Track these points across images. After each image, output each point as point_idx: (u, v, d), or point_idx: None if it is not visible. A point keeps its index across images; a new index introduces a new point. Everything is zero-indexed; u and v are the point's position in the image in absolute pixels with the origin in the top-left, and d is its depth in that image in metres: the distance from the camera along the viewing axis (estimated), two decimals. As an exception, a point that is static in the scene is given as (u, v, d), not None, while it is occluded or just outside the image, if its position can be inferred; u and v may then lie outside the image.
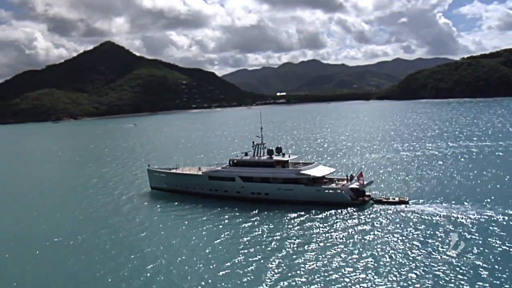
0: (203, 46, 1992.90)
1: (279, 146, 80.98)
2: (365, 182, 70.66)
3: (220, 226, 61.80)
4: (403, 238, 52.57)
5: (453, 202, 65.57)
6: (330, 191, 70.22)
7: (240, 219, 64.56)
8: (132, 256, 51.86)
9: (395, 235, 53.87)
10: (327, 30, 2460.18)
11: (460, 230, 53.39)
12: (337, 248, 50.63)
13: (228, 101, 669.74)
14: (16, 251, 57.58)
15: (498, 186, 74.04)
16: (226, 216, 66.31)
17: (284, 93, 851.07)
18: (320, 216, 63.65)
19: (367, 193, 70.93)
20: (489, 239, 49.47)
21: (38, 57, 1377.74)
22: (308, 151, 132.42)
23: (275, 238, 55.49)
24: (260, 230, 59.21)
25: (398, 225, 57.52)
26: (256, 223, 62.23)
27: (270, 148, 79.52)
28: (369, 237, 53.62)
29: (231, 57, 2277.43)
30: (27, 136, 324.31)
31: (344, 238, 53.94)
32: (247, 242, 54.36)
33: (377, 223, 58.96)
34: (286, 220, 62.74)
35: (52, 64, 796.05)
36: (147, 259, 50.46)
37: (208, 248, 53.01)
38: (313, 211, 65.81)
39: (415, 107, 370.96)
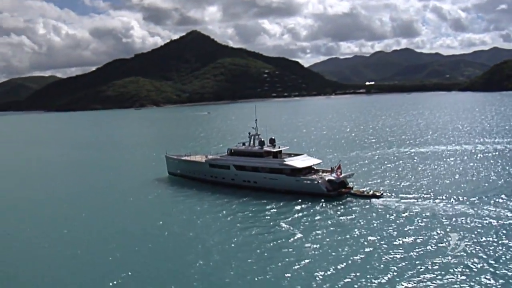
0: (295, 34, 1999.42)
1: (272, 137, 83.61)
2: (342, 175, 71.72)
3: (204, 211, 66.91)
4: (362, 230, 53.76)
5: (428, 198, 65.26)
6: (308, 181, 71.88)
7: (227, 205, 69.02)
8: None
9: (353, 227, 55.08)
10: (421, 18, 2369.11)
11: (422, 225, 53.73)
12: (289, 236, 52.96)
13: (308, 90, 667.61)
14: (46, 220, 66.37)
15: (486, 184, 72.57)
16: (217, 202, 70.87)
17: (373, 83, 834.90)
18: (291, 206, 65.96)
19: (349, 185, 72.06)
20: (454, 233, 49.56)
21: (134, 45, 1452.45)
22: (313, 143, 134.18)
23: (240, 224, 59.30)
24: (236, 215, 63.36)
25: (360, 218, 58.66)
26: (236, 209, 66.40)
27: (262, 139, 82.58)
28: (325, 228, 55.06)
29: (323, 45, 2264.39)
30: (103, 122, 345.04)
31: (299, 227, 55.96)
32: (216, 226, 58.84)
33: (337, 215, 60.64)
34: (260, 208, 66.05)
35: (141, 53, 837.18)
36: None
37: (184, 227, 59.07)
38: (290, 200, 68.19)
39: (488, 100, 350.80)
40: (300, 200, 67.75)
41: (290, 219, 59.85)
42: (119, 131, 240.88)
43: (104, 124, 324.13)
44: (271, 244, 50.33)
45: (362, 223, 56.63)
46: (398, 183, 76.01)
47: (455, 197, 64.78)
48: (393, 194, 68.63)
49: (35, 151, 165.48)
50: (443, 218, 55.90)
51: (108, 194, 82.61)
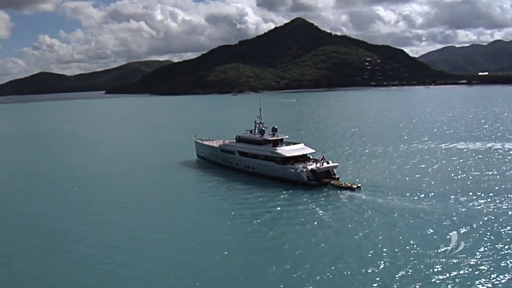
0: (411, 22, 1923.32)
1: (275, 126, 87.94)
2: (324, 165, 74.80)
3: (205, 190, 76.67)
4: (319, 219, 57.48)
5: (404, 196, 65.26)
6: (292, 170, 75.72)
7: (226, 186, 77.95)
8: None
9: (312, 215, 59.36)
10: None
11: (384, 220, 55.57)
12: (248, 219, 59.09)
13: (409, 79, 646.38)
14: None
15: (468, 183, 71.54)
16: (213, 185, 79.96)
17: (486, 73, 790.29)
18: (270, 192, 71.54)
19: (335, 176, 74.78)
20: (417, 230, 51.30)
21: (248, 31, 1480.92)
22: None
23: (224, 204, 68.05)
24: (224, 199, 70.73)
25: (322, 207, 62.64)
26: (226, 193, 74.24)
27: (263, 128, 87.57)
28: (286, 216, 59.86)
29: (439, 33, 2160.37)
30: (193, 106, 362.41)
31: (262, 212, 62.02)
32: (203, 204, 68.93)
33: (304, 203, 65.13)
34: (243, 195, 72.32)
35: (245, 39, 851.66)
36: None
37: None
38: (273, 187, 73.95)
39: None
40: (282, 188, 73.14)
41: (261, 203, 66.17)
42: (196, 115, 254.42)
43: (192, 108, 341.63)
44: (222, 225, 56.78)
45: (322, 212, 60.06)
46: (384, 178, 76.54)
47: (429, 196, 64.37)
48: (372, 188, 69.67)
49: (109, 130, 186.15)
50: (409, 215, 56.38)
51: (138, 171, 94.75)
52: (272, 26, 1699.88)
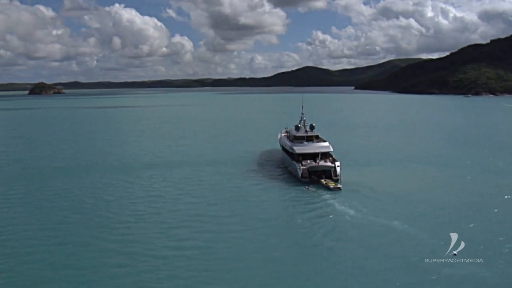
0: None
1: (312, 124, 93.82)
2: (320, 164, 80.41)
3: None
4: (284, 213, 62.85)
5: (386, 207, 63.86)
6: (294, 166, 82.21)
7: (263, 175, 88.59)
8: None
9: (277, 210, 65.08)
10: None
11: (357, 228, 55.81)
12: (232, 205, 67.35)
13: None
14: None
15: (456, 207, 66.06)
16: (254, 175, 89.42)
17: None
18: (269, 184, 79.88)
19: (337, 177, 77.71)
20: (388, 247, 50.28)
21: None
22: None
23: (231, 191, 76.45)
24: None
25: (291, 203, 67.94)
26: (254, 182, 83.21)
27: (298, 125, 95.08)
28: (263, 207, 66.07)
29: None
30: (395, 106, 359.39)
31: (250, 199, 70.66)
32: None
33: (273, 197, 72.10)
34: (252, 179, 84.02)
35: (497, 38, 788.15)
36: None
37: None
38: (279, 180, 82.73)
39: None
40: (282, 182, 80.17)
41: (244, 191, 75.01)
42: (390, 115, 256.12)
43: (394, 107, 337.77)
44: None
45: (280, 206, 66.13)
46: (388, 184, 76.78)
47: (404, 212, 61.45)
48: (354, 191, 71.12)
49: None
50: (376, 225, 55.66)
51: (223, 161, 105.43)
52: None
